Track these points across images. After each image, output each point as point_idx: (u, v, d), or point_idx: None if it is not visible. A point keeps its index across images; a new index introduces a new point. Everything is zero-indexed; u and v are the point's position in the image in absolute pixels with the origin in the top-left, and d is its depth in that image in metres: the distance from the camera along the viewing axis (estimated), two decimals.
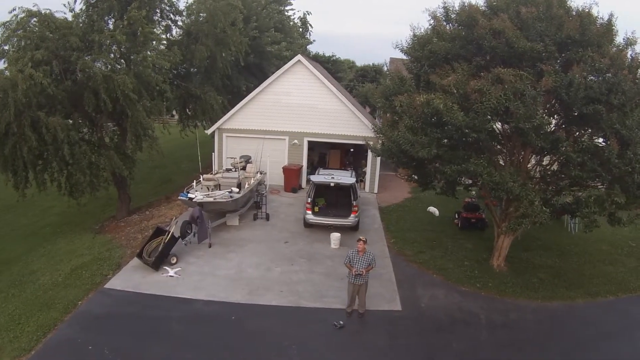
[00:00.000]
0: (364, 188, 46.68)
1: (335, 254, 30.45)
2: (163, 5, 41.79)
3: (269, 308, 24.39)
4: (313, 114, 44.96)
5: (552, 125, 25.36)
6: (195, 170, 39.12)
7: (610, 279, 29.94)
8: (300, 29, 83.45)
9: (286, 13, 73.56)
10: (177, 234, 29.13)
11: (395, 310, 24.75)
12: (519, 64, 23.99)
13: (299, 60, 44.36)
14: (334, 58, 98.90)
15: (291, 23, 74.74)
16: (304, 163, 47.01)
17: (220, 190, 34.03)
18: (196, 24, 44.26)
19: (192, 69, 47.52)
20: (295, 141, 45.95)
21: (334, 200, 36.82)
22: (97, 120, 36.08)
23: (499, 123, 26.18)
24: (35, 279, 28.30)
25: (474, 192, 36.82)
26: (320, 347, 21.56)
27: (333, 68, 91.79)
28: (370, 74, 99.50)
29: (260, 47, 59.63)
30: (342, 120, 44.82)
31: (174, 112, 55.40)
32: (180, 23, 44.88)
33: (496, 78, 22.95)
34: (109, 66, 34.61)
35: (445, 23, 28.12)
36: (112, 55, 35.81)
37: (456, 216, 37.78)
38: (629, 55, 24.25)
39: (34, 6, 33.14)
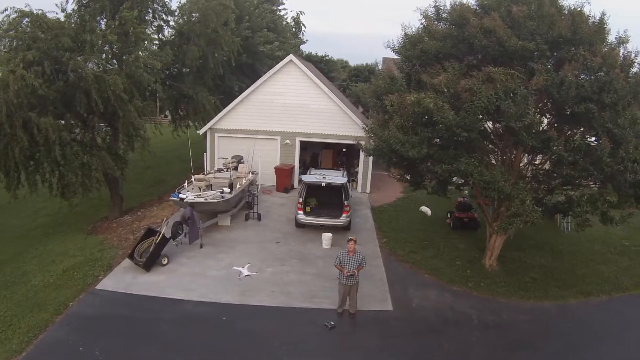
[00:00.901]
0: (356, 188, 46.70)
1: (327, 254, 30.39)
2: (155, 6, 41.75)
3: (260, 309, 24.35)
4: (305, 113, 44.96)
5: (544, 125, 25.35)
6: (188, 170, 39.06)
7: (603, 278, 29.98)
8: (294, 29, 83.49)
9: (279, 13, 73.60)
10: (168, 235, 29.03)
11: (387, 311, 24.73)
12: (510, 63, 24.02)
13: (291, 60, 44.32)
14: (327, 58, 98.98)
15: (284, 23, 74.81)
16: (296, 163, 47.00)
17: (211, 190, 33.90)
18: (188, 24, 44.27)
19: (184, 69, 47.41)
20: (287, 141, 45.90)
21: (325, 200, 36.76)
22: (89, 121, 35.87)
23: (491, 122, 26.17)
24: (27, 280, 28.14)
25: (466, 192, 36.82)
26: (311, 347, 21.57)
27: (326, 68, 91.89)
28: (364, 73, 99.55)
29: (253, 47, 59.62)
30: (334, 120, 44.84)
31: (167, 113, 55.28)
32: (172, 23, 44.95)
33: (487, 77, 22.95)
34: (101, 66, 34.49)
35: (436, 22, 28.10)
36: (103, 55, 35.67)
37: (449, 216, 37.75)
38: (621, 54, 24.23)
39: (26, 6, 33.05)
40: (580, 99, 22.39)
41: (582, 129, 25.14)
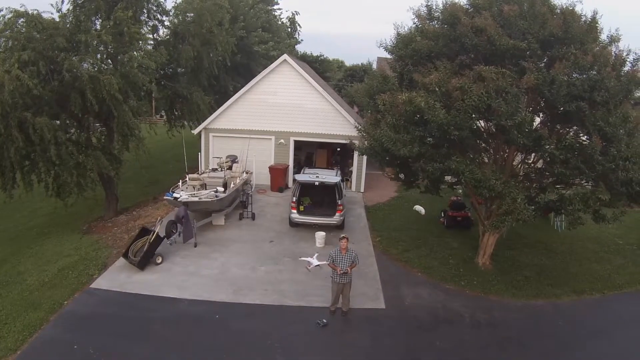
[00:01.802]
0: (351, 187, 46.87)
1: (320, 253, 30.05)
2: (150, 6, 41.72)
3: (253, 307, 24.44)
4: (299, 113, 45.07)
5: (536, 123, 25.47)
6: (183, 170, 39.11)
7: (596, 276, 30.10)
8: (289, 29, 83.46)
9: (274, 13, 73.63)
10: (162, 234, 29.15)
11: (379, 309, 24.85)
12: (501, 62, 24.13)
13: (285, 60, 44.42)
14: (322, 58, 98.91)
15: (279, 23, 74.89)
16: (291, 163, 47.15)
17: (206, 190, 33.95)
18: (183, 24, 44.24)
19: (179, 69, 47.41)
20: (282, 141, 46.01)
21: (319, 199, 36.87)
22: (84, 121, 35.95)
23: (483, 121, 26.27)
24: (22, 279, 28.20)
25: (460, 191, 36.91)
26: (304, 345, 21.67)
27: (321, 68, 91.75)
28: (359, 73, 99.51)
29: (248, 47, 59.71)
30: (329, 119, 44.95)
31: (162, 113, 55.28)
32: (167, 23, 44.87)
33: (478, 76, 23.06)
34: (96, 67, 34.52)
35: (428, 21, 28.21)
36: (98, 55, 35.67)
37: (442, 215, 37.86)
38: (612, 53, 24.33)
39: (21, 7, 33.11)
40: (572, 97, 22.52)
41: (574, 128, 25.27)
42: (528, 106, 24.95)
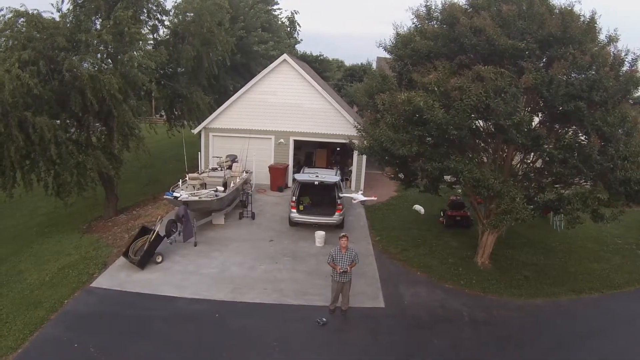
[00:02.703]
0: (350, 187, 46.80)
1: (320, 252, 30.57)
2: (150, 5, 41.72)
3: (252, 306, 24.53)
4: (299, 113, 45.15)
5: (535, 123, 25.56)
6: (183, 170, 39.14)
7: (595, 276, 30.23)
8: (288, 29, 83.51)
9: (273, 13, 73.68)
10: (162, 233, 29.26)
11: (378, 308, 24.93)
12: (500, 62, 24.20)
13: (284, 60, 44.49)
14: (322, 57, 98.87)
15: (279, 22, 74.90)
16: (290, 162, 47.21)
17: (206, 189, 34.02)
18: (183, 24, 44.23)
19: (178, 69, 47.36)
20: (282, 140, 46.07)
21: (318, 198, 36.82)
22: (84, 120, 35.97)
23: (481, 121, 26.35)
24: (23, 278, 28.27)
25: (459, 190, 36.97)
26: (303, 344, 21.75)
27: (321, 67, 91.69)
28: (359, 73, 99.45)
29: (247, 47, 59.75)
30: (328, 119, 45.02)
31: (162, 112, 55.30)
32: (167, 23, 44.85)
33: (476, 75, 23.15)
34: (96, 66, 34.53)
35: (427, 21, 28.29)
36: (98, 55, 35.69)
37: (442, 214, 37.95)
38: (611, 53, 24.39)
39: (21, 6, 33.14)
40: (570, 97, 22.62)
41: (572, 128, 25.33)
42: (527, 106, 25.02)
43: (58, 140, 32.08)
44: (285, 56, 44.82)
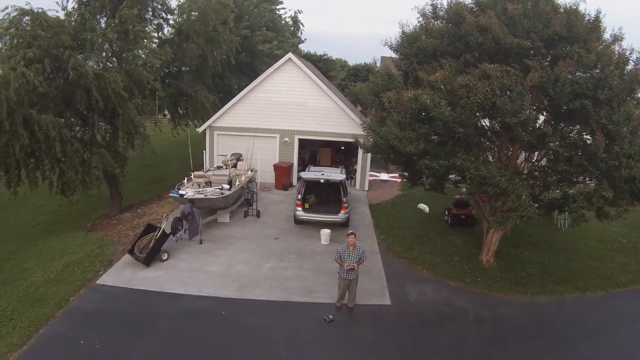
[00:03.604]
0: (355, 185, 46.92)
1: (325, 250, 30.65)
2: (155, 4, 41.87)
3: (258, 303, 24.54)
4: (304, 111, 45.17)
5: (540, 122, 25.58)
6: (187, 169, 39.15)
7: (599, 274, 30.24)
8: (292, 28, 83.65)
9: (278, 12, 73.81)
10: (168, 231, 29.30)
11: (384, 305, 24.95)
12: (506, 60, 24.22)
13: (289, 59, 44.48)
14: (326, 57, 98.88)
15: (283, 22, 75.01)
16: (295, 161, 47.18)
17: (211, 187, 34.09)
18: (187, 23, 44.38)
19: (183, 68, 47.52)
20: (286, 139, 46.12)
21: (324, 197, 36.86)
22: (89, 119, 36.14)
23: (487, 120, 26.40)
24: (27, 276, 28.35)
25: (464, 189, 36.99)
26: (310, 341, 21.78)
27: (324, 67, 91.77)
28: (362, 73, 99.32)
29: (252, 46, 59.91)
30: (333, 118, 45.06)
31: (166, 112, 55.35)
32: (171, 22, 45.00)
33: (483, 74, 23.18)
34: (101, 64, 34.62)
35: (433, 20, 28.32)
36: (103, 53, 35.82)
37: (446, 213, 37.95)
38: (615, 51, 24.43)
39: (26, 5, 33.29)
40: (575, 95, 22.62)
41: (577, 126, 25.36)
42: (532, 104, 25.05)
43: (63, 138, 32.14)
44: (290, 55, 44.84)
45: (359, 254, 23.41)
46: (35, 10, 33.36)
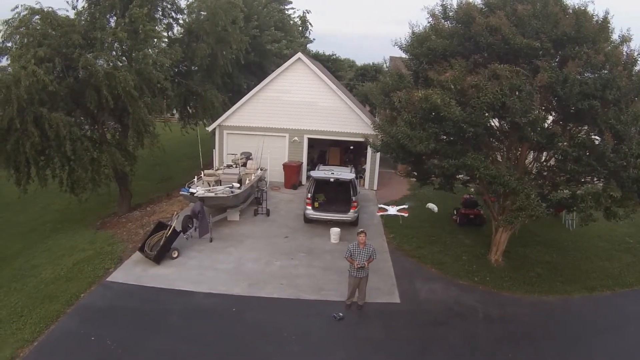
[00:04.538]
0: (364, 185, 47.05)
1: (335, 249, 30.80)
2: (165, 4, 41.98)
3: (268, 300, 24.68)
4: (313, 111, 45.30)
5: (549, 122, 25.66)
6: (196, 168, 39.31)
7: (607, 274, 30.24)
8: (300, 28, 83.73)
9: (286, 12, 73.92)
10: (178, 229, 29.45)
11: (394, 303, 25.06)
12: (515, 61, 24.30)
13: (299, 58, 44.63)
14: (334, 57, 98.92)
15: (291, 22, 75.09)
16: (304, 160, 47.34)
17: (221, 186, 34.22)
18: (197, 22, 44.47)
19: (192, 67, 47.49)
20: (296, 138, 46.28)
21: (333, 196, 37.02)
22: (99, 117, 36.27)
23: (496, 120, 26.51)
24: (37, 273, 28.44)
25: (472, 189, 37.06)
26: (320, 338, 21.91)
27: (333, 67, 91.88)
28: (370, 73, 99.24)
29: (261, 46, 60.04)
30: (342, 117, 45.19)
31: (175, 111, 55.47)
32: (181, 21, 45.10)
33: (492, 74, 23.27)
34: (111, 63, 34.76)
35: (443, 21, 28.39)
36: (113, 52, 36.00)
37: (455, 212, 38.04)
38: (624, 52, 24.51)
39: (36, 4, 33.49)
40: (584, 96, 22.69)
41: (586, 126, 25.44)
42: (541, 105, 25.09)
43: (73, 136, 32.27)
44: (299, 55, 45.00)
45: (369, 253, 23.51)
46: (45, 10, 33.51)
